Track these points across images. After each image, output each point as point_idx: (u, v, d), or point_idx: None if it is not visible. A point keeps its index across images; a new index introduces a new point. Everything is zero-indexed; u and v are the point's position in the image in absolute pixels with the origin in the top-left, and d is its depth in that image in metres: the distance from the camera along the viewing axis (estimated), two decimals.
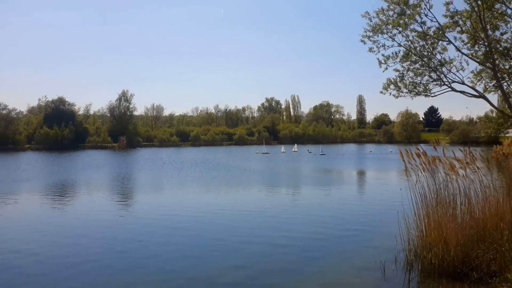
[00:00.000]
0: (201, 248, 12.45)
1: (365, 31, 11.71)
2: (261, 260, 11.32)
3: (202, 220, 16.53)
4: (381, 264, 10.15)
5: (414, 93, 11.80)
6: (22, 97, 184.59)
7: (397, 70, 11.77)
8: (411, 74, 11.73)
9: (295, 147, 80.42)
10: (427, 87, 11.64)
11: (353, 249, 12.23)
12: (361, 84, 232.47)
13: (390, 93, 12.04)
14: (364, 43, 11.86)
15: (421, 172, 10.23)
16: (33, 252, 12.21)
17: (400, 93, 11.92)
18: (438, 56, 11.34)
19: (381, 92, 12.15)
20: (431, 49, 11.28)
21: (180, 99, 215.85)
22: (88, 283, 9.57)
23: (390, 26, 11.28)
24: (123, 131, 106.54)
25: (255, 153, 72.56)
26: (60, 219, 17.23)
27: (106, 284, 9.60)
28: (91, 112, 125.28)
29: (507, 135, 78.46)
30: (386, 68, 11.81)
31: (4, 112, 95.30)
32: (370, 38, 11.63)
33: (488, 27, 10.61)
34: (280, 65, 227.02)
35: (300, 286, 9.33)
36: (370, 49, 11.75)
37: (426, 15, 10.97)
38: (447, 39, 11.02)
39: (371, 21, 11.71)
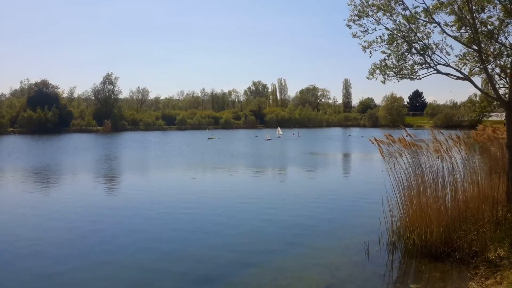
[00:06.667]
0: (186, 228, 12.51)
1: (351, 15, 11.60)
2: (246, 241, 11.39)
3: (187, 202, 16.53)
4: (365, 245, 10.25)
5: (400, 76, 11.77)
6: (4, 79, 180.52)
7: (384, 53, 11.68)
8: (394, 59, 11.65)
9: (279, 131, 78.26)
10: (413, 70, 11.61)
11: (338, 231, 12.34)
12: (348, 68, 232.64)
13: (377, 78, 11.99)
14: (350, 27, 11.76)
15: (401, 156, 10.29)
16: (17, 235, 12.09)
17: (386, 77, 11.87)
18: (425, 40, 11.29)
19: (368, 77, 12.07)
20: (415, 32, 11.22)
21: (166, 82, 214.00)
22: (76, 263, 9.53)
23: (375, 9, 11.17)
24: (108, 114, 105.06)
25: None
26: (44, 203, 17.05)
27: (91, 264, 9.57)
28: (75, 95, 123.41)
29: (489, 118, 79.59)
30: (371, 53, 11.75)
31: None
32: (356, 22, 11.52)
33: (475, 8, 10.58)
34: (267, 48, 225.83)
35: (285, 266, 9.40)
36: (354, 35, 11.66)
37: None
38: (434, 21, 10.97)
39: (356, 7, 11.61)
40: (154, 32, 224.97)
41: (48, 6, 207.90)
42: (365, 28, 11.56)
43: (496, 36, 10.83)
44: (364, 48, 11.75)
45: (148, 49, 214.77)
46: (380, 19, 11.43)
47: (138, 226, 13.03)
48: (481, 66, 11.05)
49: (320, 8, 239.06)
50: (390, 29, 11.40)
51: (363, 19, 11.57)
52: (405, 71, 11.72)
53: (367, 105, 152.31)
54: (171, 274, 9.03)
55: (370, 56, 11.79)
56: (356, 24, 11.66)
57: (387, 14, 11.25)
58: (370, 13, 11.45)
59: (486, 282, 7.71)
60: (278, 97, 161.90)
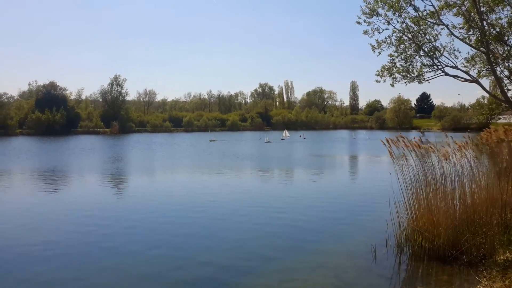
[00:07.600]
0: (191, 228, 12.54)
1: (362, 12, 11.56)
2: (252, 243, 11.38)
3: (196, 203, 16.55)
4: (372, 247, 10.20)
5: (408, 79, 11.73)
6: (12, 81, 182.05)
7: (391, 56, 11.64)
8: (402, 60, 11.61)
9: (286, 133, 78.25)
10: (421, 72, 11.57)
11: (344, 233, 12.30)
12: (355, 70, 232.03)
13: (385, 81, 11.95)
14: (360, 24, 11.74)
15: (410, 158, 10.25)
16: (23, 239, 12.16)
17: (395, 80, 11.84)
18: (433, 42, 11.25)
19: (376, 80, 12.03)
20: (423, 34, 11.18)
21: (173, 84, 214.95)
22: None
23: (386, 7, 11.12)
24: (115, 116, 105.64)
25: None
26: (52, 205, 17.15)
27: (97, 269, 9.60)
28: (83, 97, 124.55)
29: (498, 121, 78.86)
30: (380, 53, 11.72)
31: None
32: (366, 20, 11.48)
33: (484, 9, 10.52)
34: (274, 51, 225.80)
35: (291, 269, 9.38)
36: (365, 32, 11.61)
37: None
38: (441, 23, 10.92)
39: (369, 4, 11.56)
40: (161, 35, 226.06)
41: (55, 7, 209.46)
42: (376, 27, 11.53)
43: (504, 38, 10.76)
44: (373, 48, 11.72)
45: (155, 52, 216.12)
46: (391, 19, 11.39)
47: (146, 230, 13.04)
48: (490, 69, 10.98)
49: (327, 10, 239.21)
50: (399, 29, 11.36)
51: (372, 18, 11.54)
52: (413, 74, 11.68)
53: (374, 107, 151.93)
54: (178, 278, 9.00)
55: (378, 55, 11.76)
56: (366, 22, 11.64)
57: (396, 13, 11.21)
58: (380, 11, 11.41)
59: (494, 286, 7.65)
60: (285, 99, 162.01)
